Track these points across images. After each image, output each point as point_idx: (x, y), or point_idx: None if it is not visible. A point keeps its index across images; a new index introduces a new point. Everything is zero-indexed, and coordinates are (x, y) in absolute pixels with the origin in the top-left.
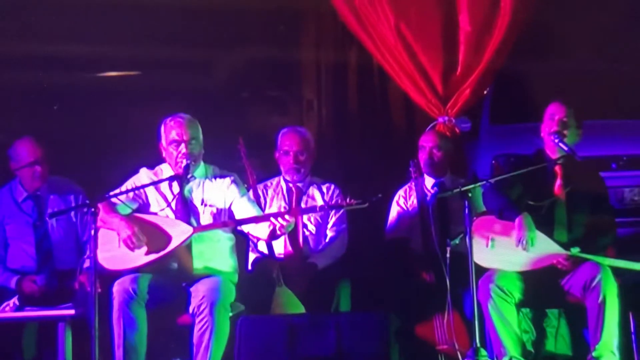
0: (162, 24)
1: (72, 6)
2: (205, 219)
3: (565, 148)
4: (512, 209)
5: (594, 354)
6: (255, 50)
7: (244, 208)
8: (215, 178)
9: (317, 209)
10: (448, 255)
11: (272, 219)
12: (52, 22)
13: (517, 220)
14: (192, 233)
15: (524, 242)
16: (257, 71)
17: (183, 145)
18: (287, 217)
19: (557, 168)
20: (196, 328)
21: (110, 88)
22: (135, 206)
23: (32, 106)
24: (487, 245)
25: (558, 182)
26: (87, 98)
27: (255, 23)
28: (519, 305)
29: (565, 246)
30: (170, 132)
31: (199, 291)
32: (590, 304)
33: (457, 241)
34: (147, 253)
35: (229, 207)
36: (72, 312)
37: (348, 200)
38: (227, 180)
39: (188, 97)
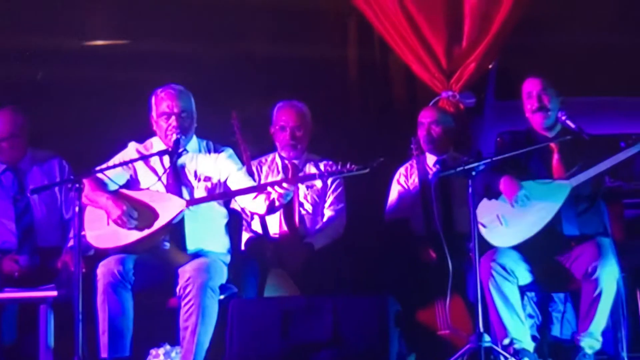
0: None
1: None
2: (200, 194)
3: (573, 126)
4: (497, 179)
5: (581, 342)
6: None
7: (240, 182)
8: (209, 152)
9: (316, 176)
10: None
11: (269, 188)
12: None
13: (501, 185)
14: (186, 206)
15: (518, 201)
16: (252, 43)
17: (174, 117)
18: (285, 185)
19: (552, 144)
20: (182, 311)
21: (99, 57)
22: (123, 182)
23: (15, 75)
24: (501, 224)
25: (555, 157)
26: (73, 67)
27: None
28: (523, 288)
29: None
30: (161, 103)
31: (185, 272)
32: (585, 293)
33: None
34: (139, 230)
35: (225, 182)
36: (54, 293)
37: (348, 166)
38: (223, 154)
39: (181, 68)
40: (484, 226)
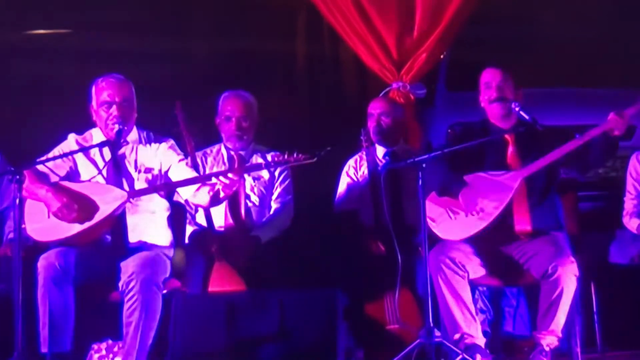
0: None
1: None
2: (140, 185)
3: (527, 117)
4: (458, 182)
5: (542, 340)
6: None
7: (182, 174)
8: (150, 143)
9: (263, 166)
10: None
11: (214, 179)
12: None
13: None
14: (127, 198)
15: (475, 215)
16: (200, 36)
17: (115, 107)
18: (230, 175)
19: (507, 136)
20: (125, 307)
21: (37, 49)
22: (63, 174)
23: None
24: (450, 218)
25: (510, 149)
26: (10, 60)
27: None
28: (474, 282)
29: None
30: (102, 93)
31: (128, 267)
32: (545, 293)
33: None
34: (80, 223)
35: (166, 173)
36: None
37: (295, 155)
38: (164, 144)
39: (122, 58)
40: (433, 220)
